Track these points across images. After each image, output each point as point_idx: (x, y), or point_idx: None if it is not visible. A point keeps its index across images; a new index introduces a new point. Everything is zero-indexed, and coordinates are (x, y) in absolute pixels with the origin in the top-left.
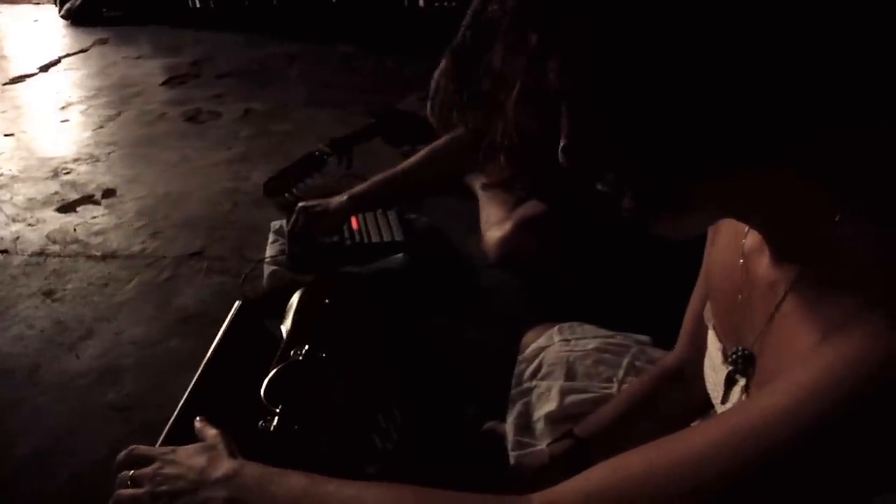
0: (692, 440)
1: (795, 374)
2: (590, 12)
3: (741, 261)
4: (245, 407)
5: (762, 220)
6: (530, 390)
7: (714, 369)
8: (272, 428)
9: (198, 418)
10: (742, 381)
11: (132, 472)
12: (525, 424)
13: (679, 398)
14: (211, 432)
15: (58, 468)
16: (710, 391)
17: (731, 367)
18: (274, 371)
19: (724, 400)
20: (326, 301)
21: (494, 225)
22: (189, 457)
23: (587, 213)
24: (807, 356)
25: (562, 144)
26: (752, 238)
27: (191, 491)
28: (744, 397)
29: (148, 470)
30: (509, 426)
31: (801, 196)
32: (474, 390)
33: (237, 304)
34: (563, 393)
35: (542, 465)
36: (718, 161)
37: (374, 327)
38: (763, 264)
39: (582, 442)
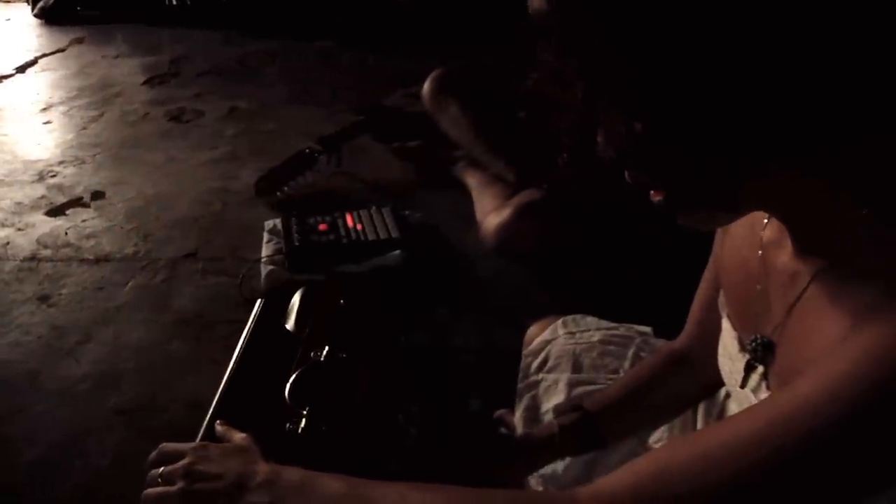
0: (733, 430)
1: (827, 363)
2: (633, 14)
3: (759, 252)
4: (268, 409)
5: (788, 215)
6: (537, 383)
7: (730, 357)
8: (300, 430)
9: (218, 422)
10: (760, 369)
11: (162, 469)
12: (533, 417)
13: (685, 380)
14: (238, 435)
15: (63, 476)
16: (725, 377)
17: (749, 356)
18: (296, 373)
19: (744, 385)
20: (341, 301)
21: (492, 213)
22: (224, 456)
23: (586, 203)
24: (836, 345)
25: (607, 144)
26: (770, 230)
27: (229, 494)
28: (763, 383)
29: (179, 466)
30: (518, 419)
31: (829, 192)
32: (478, 384)
33: (259, 302)
34: (571, 385)
35: (550, 435)
36: (770, 161)
37: (387, 326)
38: (783, 256)
39: (589, 415)
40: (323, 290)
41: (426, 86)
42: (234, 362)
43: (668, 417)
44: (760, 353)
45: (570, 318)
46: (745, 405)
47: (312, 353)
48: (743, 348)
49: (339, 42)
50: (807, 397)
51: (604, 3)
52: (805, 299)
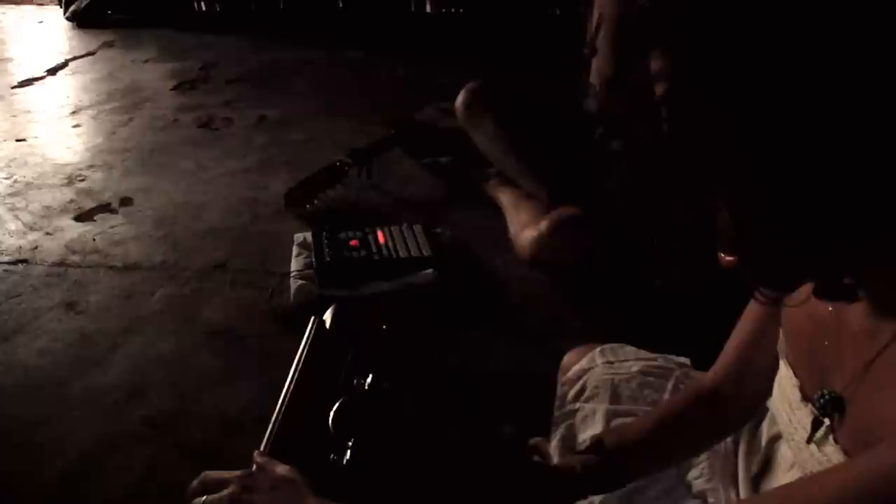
0: (806, 495)
1: None
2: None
3: (830, 308)
4: (312, 437)
5: (873, 281)
6: (574, 412)
7: (789, 404)
8: (345, 462)
9: (257, 453)
10: (827, 422)
11: (205, 498)
12: (570, 447)
13: (713, 419)
14: (280, 467)
15: (90, 491)
16: (781, 423)
17: (817, 410)
18: (340, 402)
19: (810, 440)
20: (384, 327)
21: (528, 226)
22: (273, 487)
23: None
24: None
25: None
26: None
27: None
28: (829, 437)
29: (224, 496)
30: (554, 448)
31: None
32: (511, 409)
33: (313, 319)
34: (609, 416)
35: (571, 470)
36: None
37: (429, 349)
38: (858, 313)
39: (612, 456)
40: (365, 313)
41: (460, 98)
42: (290, 384)
43: (694, 455)
44: (829, 409)
45: (608, 347)
46: (807, 457)
47: (356, 381)
48: (806, 398)
49: (370, 52)
50: (891, 466)
51: (721, 93)
52: (884, 358)
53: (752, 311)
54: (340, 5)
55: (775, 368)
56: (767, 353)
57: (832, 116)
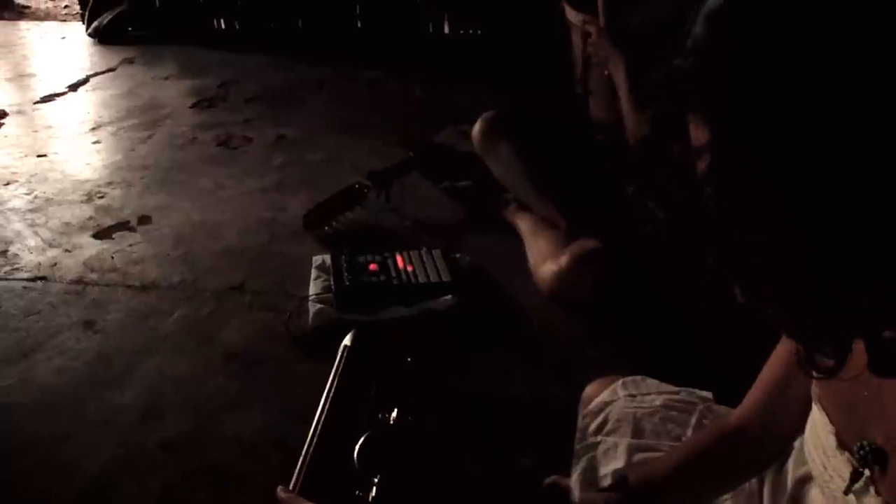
0: None
1: None
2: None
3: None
4: (337, 472)
5: None
6: (595, 445)
7: (824, 451)
8: (371, 499)
9: (280, 488)
10: (867, 473)
11: None
12: (591, 480)
13: (737, 459)
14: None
15: None
16: (815, 469)
17: (856, 461)
18: (365, 436)
19: (848, 491)
20: (408, 360)
21: (548, 259)
22: None
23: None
24: None
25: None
26: None
27: None
28: (870, 489)
29: None
30: (574, 482)
31: None
32: (529, 439)
33: (344, 345)
34: (631, 450)
35: None
36: None
37: (448, 378)
38: None
39: (636, 493)
40: (385, 340)
41: (477, 126)
42: (320, 416)
43: (719, 494)
44: (870, 460)
45: (629, 379)
46: None
47: (381, 415)
48: (843, 446)
49: (388, 72)
50: None
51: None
52: None
53: (782, 351)
54: (358, 25)
55: (806, 411)
56: (798, 395)
57: (883, 182)
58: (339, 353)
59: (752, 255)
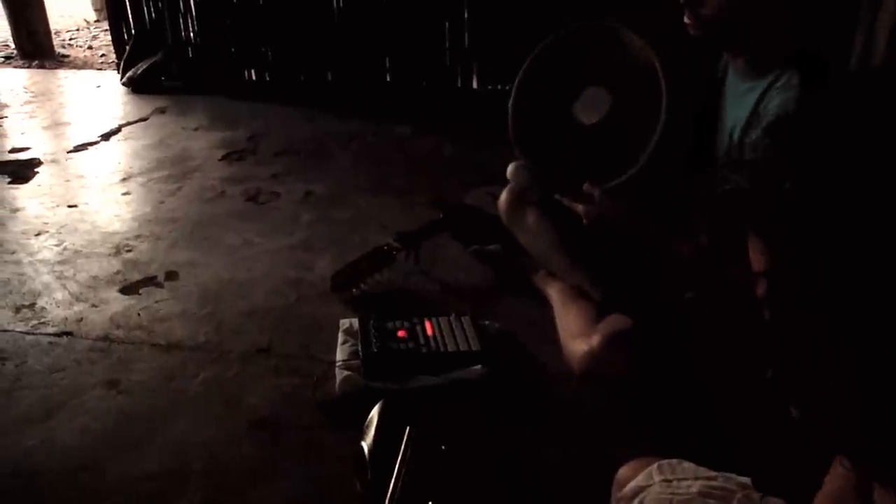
0: None
1: None
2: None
3: None
4: None
5: None
6: None
7: None
8: None
9: None
10: None
11: None
12: None
13: None
14: None
15: None
16: None
17: None
18: None
19: None
20: (442, 447)
21: (578, 337)
22: None
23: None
24: None
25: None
26: None
27: None
28: None
29: None
30: None
31: None
32: None
33: (409, 431)
34: None
35: None
36: None
37: (490, 471)
38: None
39: None
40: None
41: (503, 197)
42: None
43: None
44: None
45: (665, 462)
46: None
47: None
48: None
49: (417, 127)
50: None
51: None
52: None
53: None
54: (388, 78)
55: None
56: None
57: None
58: (405, 440)
59: (811, 375)
